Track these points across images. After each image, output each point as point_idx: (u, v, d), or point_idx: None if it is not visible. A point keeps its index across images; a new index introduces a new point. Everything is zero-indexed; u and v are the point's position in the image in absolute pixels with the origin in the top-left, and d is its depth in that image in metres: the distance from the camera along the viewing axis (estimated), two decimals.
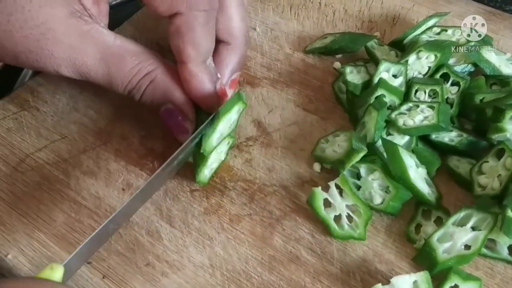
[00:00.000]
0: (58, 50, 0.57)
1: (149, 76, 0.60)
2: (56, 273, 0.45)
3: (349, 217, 0.56)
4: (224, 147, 0.62)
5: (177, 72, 0.61)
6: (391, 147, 0.56)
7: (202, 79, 0.60)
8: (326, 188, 0.57)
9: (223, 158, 0.63)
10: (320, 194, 0.56)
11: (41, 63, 0.58)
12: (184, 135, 0.61)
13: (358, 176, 0.58)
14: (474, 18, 0.69)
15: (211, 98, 0.61)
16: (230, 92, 0.64)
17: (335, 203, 0.56)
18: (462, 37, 0.69)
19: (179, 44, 0.58)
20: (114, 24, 0.71)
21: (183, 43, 0.58)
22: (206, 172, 0.60)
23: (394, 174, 0.56)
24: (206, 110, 0.61)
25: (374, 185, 0.56)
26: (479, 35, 0.67)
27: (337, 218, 0.56)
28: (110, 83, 0.60)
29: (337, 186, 0.57)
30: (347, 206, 0.56)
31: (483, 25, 0.69)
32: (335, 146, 0.61)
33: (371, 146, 0.58)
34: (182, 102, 0.61)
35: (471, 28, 0.68)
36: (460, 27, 0.70)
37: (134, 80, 0.60)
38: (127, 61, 0.59)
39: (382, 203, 0.56)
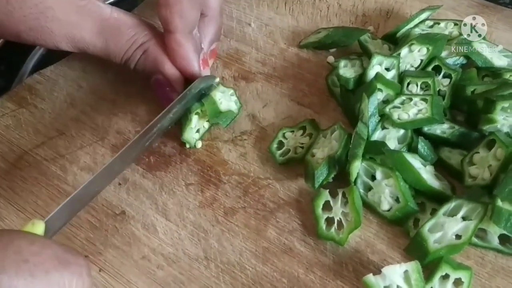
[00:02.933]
0: (57, 27, 0.60)
1: (143, 47, 0.64)
2: (37, 229, 0.46)
3: (339, 223, 0.56)
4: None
5: None
6: (397, 156, 0.56)
7: (188, 48, 0.63)
8: (334, 193, 0.57)
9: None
10: (325, 196, 0.57)
11: (41, 40, 0.61)
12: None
13: (373, 177, 0.58)
14: (474, 18, 0.69)
15: (195, 67, 0.64)
16: (210, 62, 0.68)
17: (334, 207, 0.57)
18: (455, 30, 0.69)
19: (167, 15, 0.61)
20: None
21: (171, 13, 0.60)
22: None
23: (410, 183, 0.56)
24: (189, 78, 0.64)
25: (386, 191, 0.56)
26: (479, 35, 0.68)
27: (330, 220, 0.56)
28: (108, 54, 0.64)
29: (344, 194, 0.57)
30: (342, 212, 0.56)
31: (483, 24, 0.69)
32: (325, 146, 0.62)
33: (377, 145, 0.58)
34: (171, 74, 0.64)
35: (471, 28, 0.69)
36: (452, 20, 0.71)
37: (130, 50, 0.63)
38: (123, 33, 0.63)
39: (388, 210, 0.56)
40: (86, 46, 0.63)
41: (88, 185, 0.53)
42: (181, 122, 0.64)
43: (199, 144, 0.64)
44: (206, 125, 0.65)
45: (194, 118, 0.64)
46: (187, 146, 0.64)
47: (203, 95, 0.65)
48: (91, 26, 0.62)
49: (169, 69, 0.64)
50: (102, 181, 0.57)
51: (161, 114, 0.60)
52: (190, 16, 0.62)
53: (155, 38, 0.64)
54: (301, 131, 0.64)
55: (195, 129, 0.64)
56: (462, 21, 0.69)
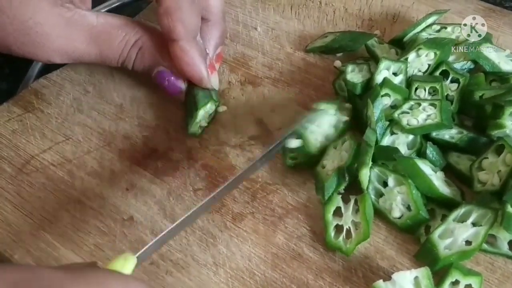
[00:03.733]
0: (47, 42, 0.61)
1: (137, 45, 0.64)
2: (129, 264, 0.45)
3: (348, 232, 0.56)
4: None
5: (162, 36, 0.63)
6: (408, 162, 0.56)
7: (193, 54, 0.63)
8: (346, 200, 0.57)
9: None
10: (336, 201, 0.57)
11: (33, 54, 0.62)
12: (179, 94, 0.66)
13: (385, 184, 0.57)
14: (474, 18, 0.69)
15: (202, 72, 0.64)
16: (217, 66, 0.69)
17: (345, 215, 0.56)
18: (461, 34, 0.69)
19: (169, 23, 0.61)
20: None
21: (172, 21, 0.60)
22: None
23: (422, 190, 0.56)
24: (197, 84, 0.65)
25: (398, 198, 0.56)
26: (479, 35, 0.68)
27: (339, 228, 0.56)
28: (103, 60, 0.64)
29: (356, 201, 0.57)
30: (352, 221, 0.56)
31: (483, 24, 0.69)
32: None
33: (389, 151, 0.58)
34: (171, 63, 0.64)
35: (471, 28, 0.69)
36: (459, 24, 0.71)
37: (125, 51, 0.64)
38: (114, 36, 0.63)
39: (399, 218, 0.56)
40: (80, 56, 0.64)
41: (180, 225, 0.52)
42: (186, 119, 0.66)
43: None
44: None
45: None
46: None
47: None
48: (81, 36, 0.62)
49: (169, 58, 0.64)
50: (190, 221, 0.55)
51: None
52: (191, 23, 0.62)
53: (146, 33, 0.65)
54: None
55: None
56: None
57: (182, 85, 0.66)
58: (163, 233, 0.51)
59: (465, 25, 0.68)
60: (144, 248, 0.48)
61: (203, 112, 0.65)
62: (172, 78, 0.65)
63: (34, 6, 0.59)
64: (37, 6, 0.60)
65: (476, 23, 0.69)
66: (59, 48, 0.62)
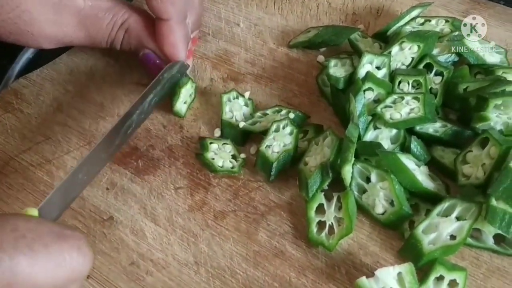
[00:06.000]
0: (36, 29, 0.61)
1: (123, 27, 0.65)
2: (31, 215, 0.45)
3: (331, 228, 0.55)
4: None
5: (149, 17, 0.65)
6: (391, 157, 0.55)
7: (179, 36, 0.64)
8: (329, 197, 0.56)
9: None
10: (319, 199, 0.56)
11: (23, 41, 0.62)
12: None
13: (368, 179, 0.57)
14: (474, 18, 0.68)
15: (182, 56, 0.65)
16: (191, 48, 0.70)
17: (328, 211, 0.56)
18: (446, 27, 0.68)
19: (158, 5, 0.61)
20: None
21: (162, 2, 0.61)
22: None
23: (405, 185, 0.55)
24: None
25: (381, 194, 0.55)
26: (479, 35, 0.67)
27: (321, 224, 0.55)
28: (92, 42, 0.65)
29: (338, 198, 0.56)
30: (335, 217, 0.55)
31: (483, 25, 0.68)
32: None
33: (372, 147, 0.57)
34: (155, 46, 0.65)
35: (471, 28, 0.68)
36: (443, 17, 0.70)
37: (113, 33, 0.65)
38: (102, 18, 0.64)
39: (382, 214, 0.55)
40: (70, 41, 0.65)
41: (75, 172, 0.52)
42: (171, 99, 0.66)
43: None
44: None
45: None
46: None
47: (177, 79, 0.66)
48: (70, 20, 0.63)
49: (154, 41, 0.65)
50: (89, 169, 0.54)
51: (138, 98, 0.60)
52: (180, 2, 0.62)
53: (134, 15, 0.65)
54: (301, 135, 0.63)
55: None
56: (453, 18, 0.69)
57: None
58: (62, 182, 0.50)
59: (465, 25, 0.67)
60: (45, 200, 0.48)
61: (185, 91, 0.66)
62: (157, 61, 0.66)
63: None
64: None
65: (476, 23, 0.68)
66: (48, 35, 0.62)
